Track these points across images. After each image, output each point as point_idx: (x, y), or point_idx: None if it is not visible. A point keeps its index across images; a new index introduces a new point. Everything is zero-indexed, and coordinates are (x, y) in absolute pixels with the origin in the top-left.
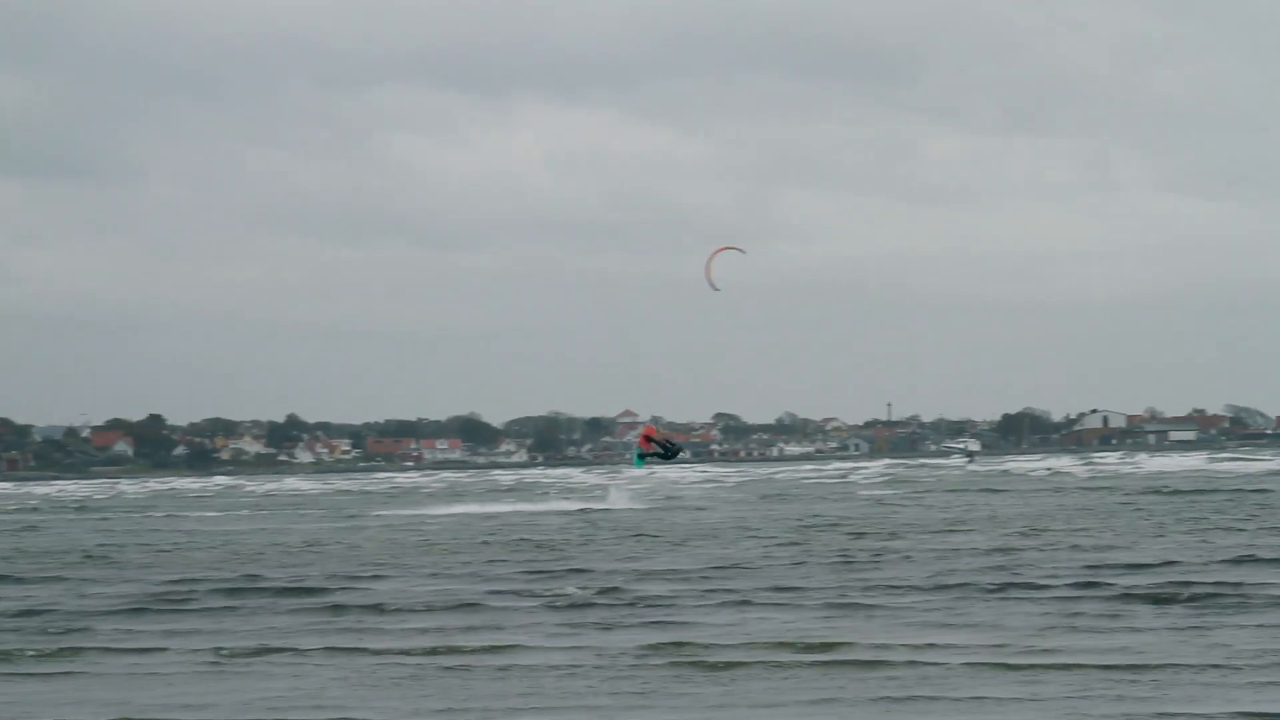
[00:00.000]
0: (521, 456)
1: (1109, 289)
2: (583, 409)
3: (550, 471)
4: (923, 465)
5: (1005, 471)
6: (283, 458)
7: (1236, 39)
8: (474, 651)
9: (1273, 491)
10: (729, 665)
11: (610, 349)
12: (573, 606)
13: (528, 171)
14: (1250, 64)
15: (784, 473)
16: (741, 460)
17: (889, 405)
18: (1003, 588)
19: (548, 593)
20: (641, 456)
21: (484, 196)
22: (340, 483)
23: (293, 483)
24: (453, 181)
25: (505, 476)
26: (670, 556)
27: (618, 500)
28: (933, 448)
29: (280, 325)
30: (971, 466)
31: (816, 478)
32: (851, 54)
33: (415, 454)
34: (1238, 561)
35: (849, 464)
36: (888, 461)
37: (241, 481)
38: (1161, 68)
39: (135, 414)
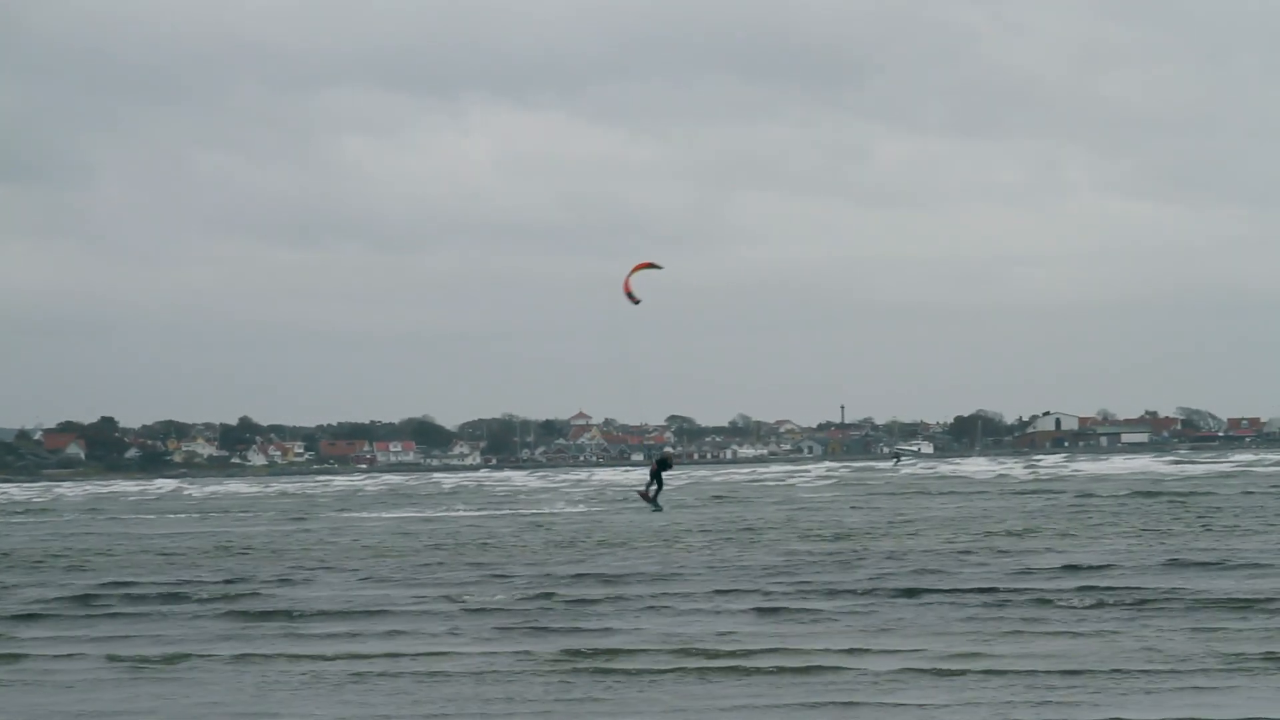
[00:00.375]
0: (475, 459)
1: (1060, 292)
2: (536, 411)
3: (493, 475)
4: (868, 468)
5: (941, 474)
6: (236, 460)
7: (1185, 42)
8: (388, 657)
9: (1215, 494)
10: (643, 672)
11: (563, 351)
12: (498, 611)
13: (479, 174)
14: (1199, 67)
15: (732, 475)
16: (695, 463)
17: (842, 408)
18: (931, 592)
19: (473, 597)
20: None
21: (435, 199)
22: (281, 485)
23: (234, 486)
24: (404, 184)
25: (448, 479)
26: (607, 560)
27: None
28: (885, 450)
29: (233, 327)
30: (901, 468)
31: (759, 480)
32: (801, 57)
33: (368, 456)
34: (1169, 565)
35: (790, 466)
36: (829, 464)
37: (182, 485)
38: (1110, 71)
39: (87, 416)
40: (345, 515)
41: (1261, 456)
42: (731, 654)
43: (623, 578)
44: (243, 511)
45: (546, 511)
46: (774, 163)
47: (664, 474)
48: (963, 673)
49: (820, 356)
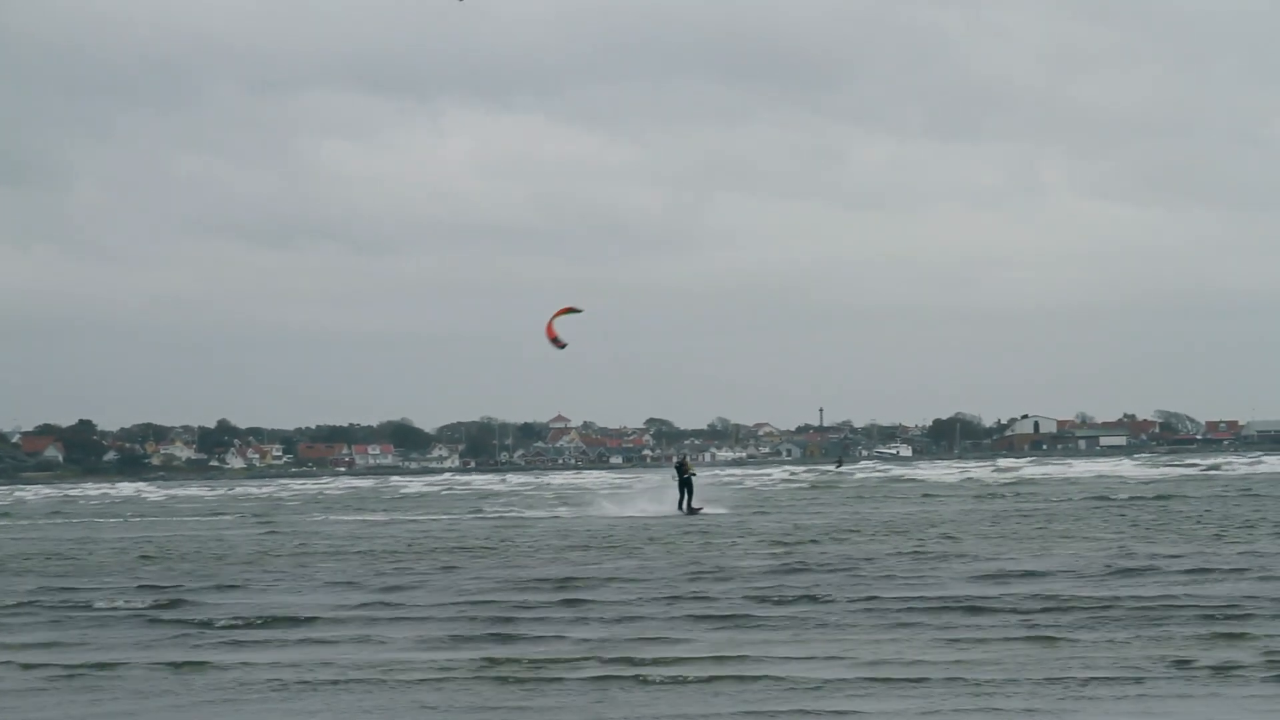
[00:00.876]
0: (454, 461)
1: (1039, 295)
2: (515, 414)
3: (460, 478)
4: (825, 472)
5: (897, 478)
6: (214, 463)
7: (1160, 45)
8: (301, 666)
9: (1173, 498)
10: (565, 680)
11: (542, 354)
12: (431, 620)
13: (457, 177)
14: (1175, 70)
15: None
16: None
17: (821, 411)
18: (870, 599)
19: (412, 604)
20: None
21: (414, 201)
22: (241, 489)
23: (196, 490)
24: (382, 186)
25: (411, 485)
26: (549, 567)
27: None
28: (864, 453)
29: (211, 330)
30: (842, 472)
31: (717, 483)
32: (778, 60)
33: (347, 459)
34: (1108, 573)
35: (746, 470)
36: (790, 469)
37: (142, 489)
38: (1086, 74)
39: (65, 419)
40: (292, 519)
41: (1226, 459)
42: (659, 662)
43: (559, 584)
44: (192, 516)
45: (508, 516)
46: (752, 165)
47: (689, 477)
48: (895, 680)
49: (799, 359)
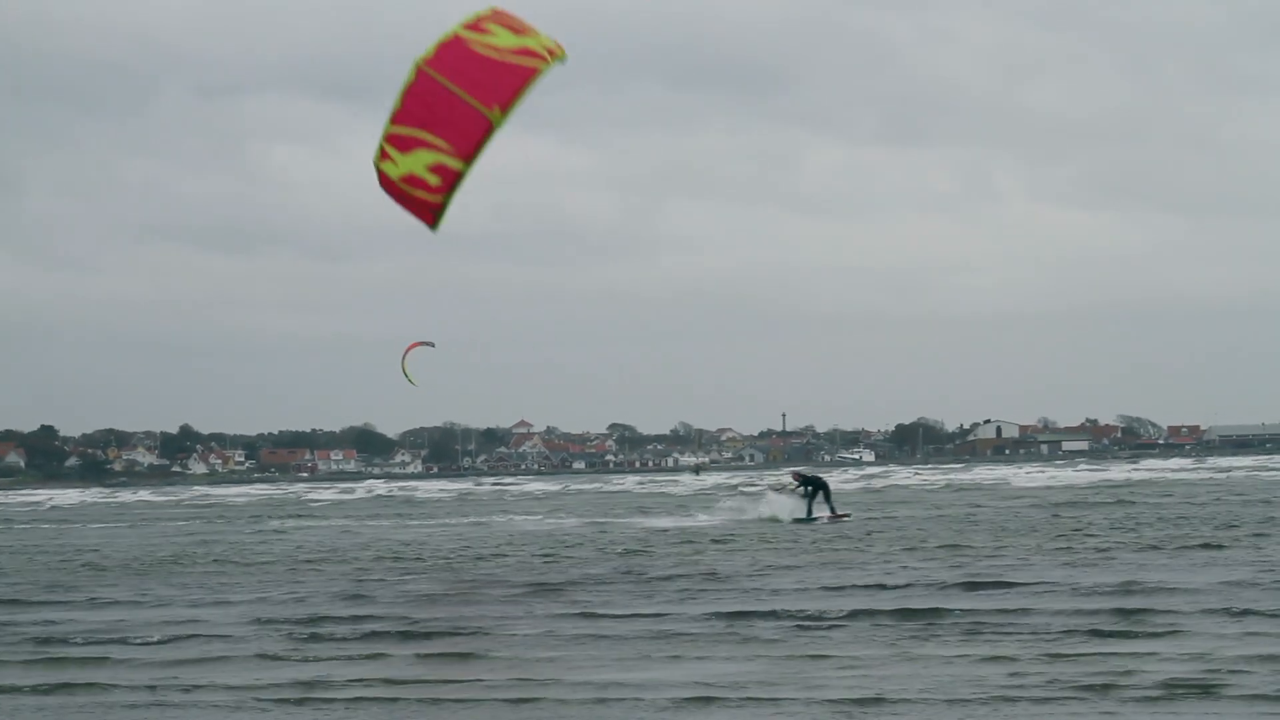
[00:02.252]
0: (417, 467)
1: (998, 300)
2: (478, 419)
3: (400, 484)
4: (668, 479)
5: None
6: (176, 469)
7: (1111, 51)
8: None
9: (1101, 505)
10: (375, 700)
11: (504, 360)
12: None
13: None
14: (1125, 75)
15: (621, 485)
16: (636, 470)
17: (784, 416)
18: (729, 615)
19: (293, 618)
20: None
21: (368, 207)
22: (147, 495)
23: (125, 496)
24: (336, 191)
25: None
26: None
27: None
28: (827, 458)
29: (172, 336)
30: (699, 479)
31: (645, 489)
32: (729, 66)
33: (310, 465)
34: (971, 584)
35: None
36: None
37: (70, 492)
38: (1037, 80)
39: (27, 425)
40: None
41: (1173, 462)
42: (490, 684)
43: (398, 597)
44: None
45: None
46: (705, 171)
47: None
48: (753, 700)
49: (761, 364)
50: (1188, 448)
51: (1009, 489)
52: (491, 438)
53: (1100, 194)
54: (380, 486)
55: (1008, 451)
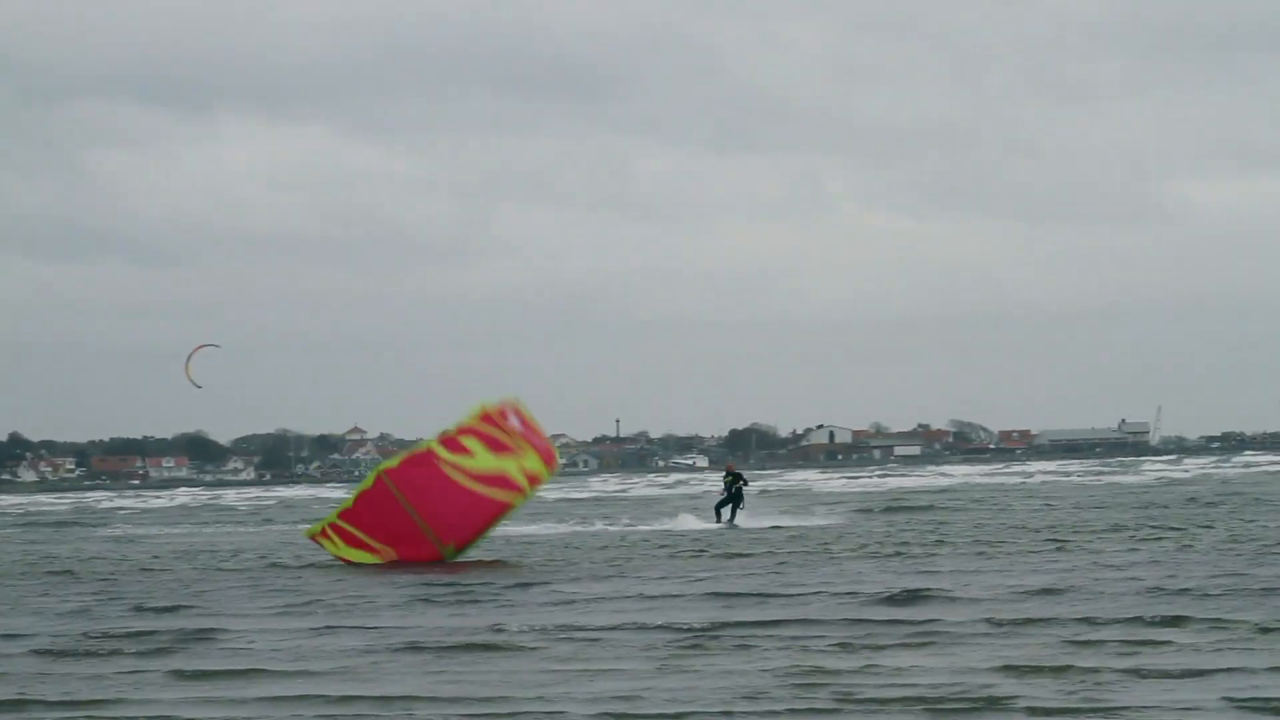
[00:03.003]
0: (249, 474)
1: (830, 306)
2: (311, 426)
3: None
4: None
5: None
6: (6, 476)
7: (937, 58)
8: None
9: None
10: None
11: (337, 366)
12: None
13: (239, 187)
14: (953, 83)
15: None
16: None
17: (617, 421)
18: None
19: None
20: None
21: (198, 213)
22: None
23: None
24: (164, 197)
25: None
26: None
27: None
28: (660, 464)
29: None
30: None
31: None
32: (558, 72)
33: (141, 472)
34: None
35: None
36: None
37: None
38: (865, 87)
39: None
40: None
41: (980, 467)
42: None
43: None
44: None
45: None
46: (537, 176)
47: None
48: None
49: (595, 370)
50: (1018, 452)
51: (809, 494)
52: (325, 444)
53: (930, 200)
54: (191, 495)
55: (840, 456)
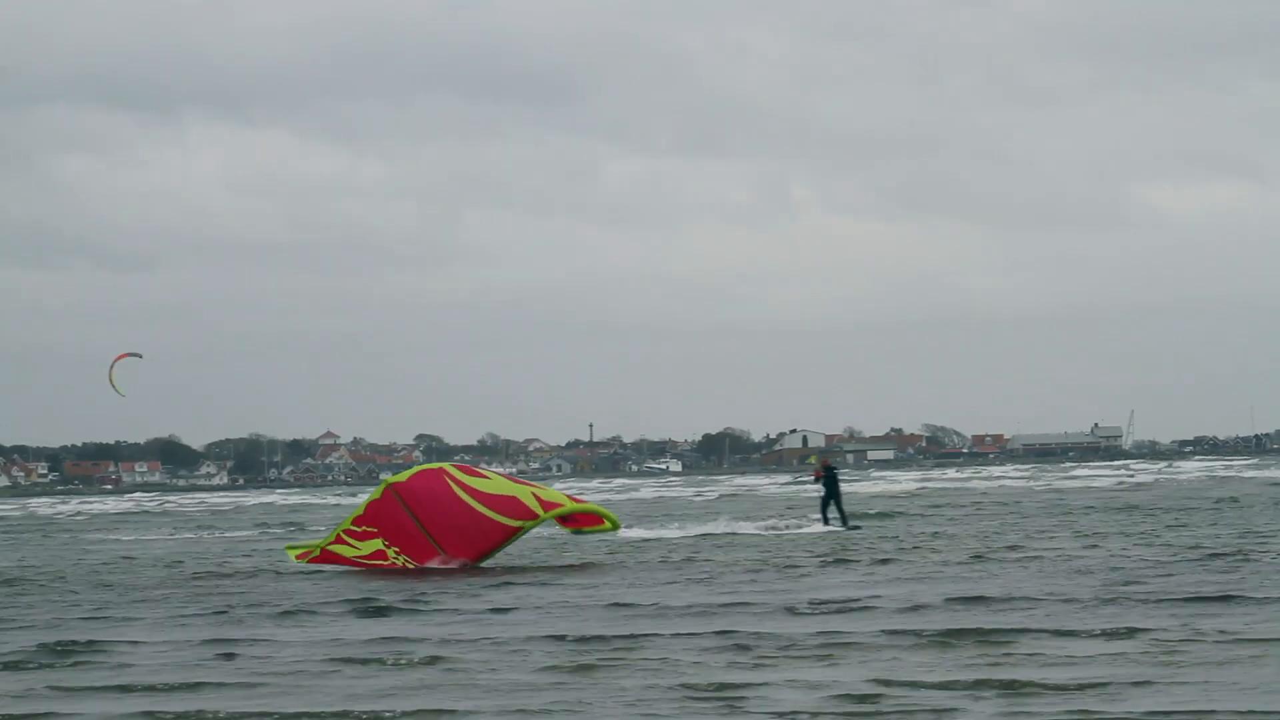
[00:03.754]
0: (222, 479)
1: (800, 312)
2: (283, 431)
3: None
4: None
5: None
6: None
7: (901, 63)
8: None
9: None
10: None
11: (308, 371)
12: None
13: (205, 192)
14: (917, 87)
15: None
16: None
17: (591, 426)
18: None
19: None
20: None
21: (164, 218)
22: None
23: None
24: (130, 203)
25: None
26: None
27: None
28: (634, 468)
29: None
30: None
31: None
32: (523, 78)
33: (114, 477)
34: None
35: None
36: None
37: None
38: (831, 92)
39: None
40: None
41: (943, 471)
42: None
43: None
44: None
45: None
46: (503, 182)
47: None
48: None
49: (568, 375)
50: (991, 456)
51: (755, 498)
52: (298, 449)
53: (895, 206)
54: (142, 500)
55: (813, 460)
